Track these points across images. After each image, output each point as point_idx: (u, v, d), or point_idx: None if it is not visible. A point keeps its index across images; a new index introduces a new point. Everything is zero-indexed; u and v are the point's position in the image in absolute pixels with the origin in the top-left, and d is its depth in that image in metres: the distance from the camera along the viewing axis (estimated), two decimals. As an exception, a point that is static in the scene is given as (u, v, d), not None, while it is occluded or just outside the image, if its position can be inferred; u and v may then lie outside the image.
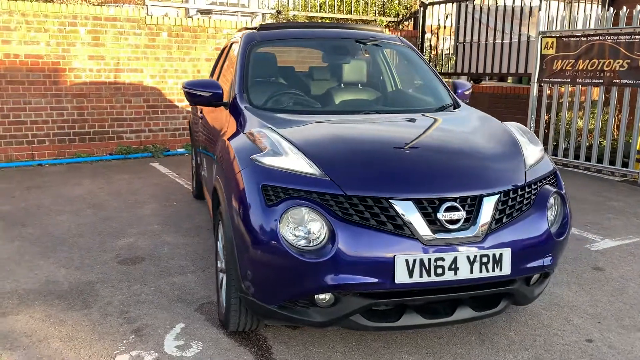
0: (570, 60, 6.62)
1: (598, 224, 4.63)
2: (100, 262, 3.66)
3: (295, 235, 2.22)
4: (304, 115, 3.08)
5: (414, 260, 2.17)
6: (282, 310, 2.32)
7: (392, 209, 2.21)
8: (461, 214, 2.25)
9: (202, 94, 3.28)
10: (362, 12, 9.15)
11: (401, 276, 2.16)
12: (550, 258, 2.43)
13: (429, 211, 2.23)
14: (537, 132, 7.05)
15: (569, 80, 6.69)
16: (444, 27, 9.36)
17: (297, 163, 2.36)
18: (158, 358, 2.51)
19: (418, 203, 2.23)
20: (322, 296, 2.25)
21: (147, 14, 7.25)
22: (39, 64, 6.65)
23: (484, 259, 2.25)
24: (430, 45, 9.65)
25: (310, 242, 2.21)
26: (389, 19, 9.29)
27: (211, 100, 3.28)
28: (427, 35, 9.52)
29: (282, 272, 2.24)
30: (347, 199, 2.23)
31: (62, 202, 5.15)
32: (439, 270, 2.20)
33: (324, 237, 2.19)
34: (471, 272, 2.23)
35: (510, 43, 8.13)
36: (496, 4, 8.41)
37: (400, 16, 9.38)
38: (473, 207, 2.29)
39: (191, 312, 2.96)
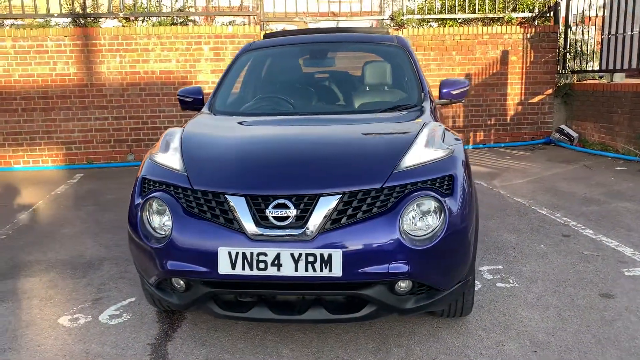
0: None
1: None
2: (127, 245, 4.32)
3: (150, 224, 2.48)
4: (249, 117, 3.28)
5: (237, 253, 2.26)
6: (158, 291, 2.59)
7: (226, 203, 2.34)
8: (289, 212, 2.26)
9: (186, 100, 3.70)
10: (489, 10, 8.63)
11: (224, 267, 2.28)
12: (405, 266, 2.26)
13: (261, 207, 2.29)
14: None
15: None
16: (589, 18, 8.30)
17: (171, 160, 2.63)
18: (88, 322, 2.99)
19: (252, 199, 2.31)
20: (178, 281, 2.47)
21: (262, 30, 7.97)
22: (170, 79, 7.83)
23: (310, 258, 2.23)
24: (576, 40, 8.63)
25: (161, 230, 2.45)
26: (522, 14, 8.59)
27: (194, 105, 3.68)
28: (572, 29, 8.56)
29: (141, 256, 2.52)
30: (193, 192, 2.42)
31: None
32: (262, 265, 2.25)
33: (170, 227, 2.41)
34: (296, 269, 2.24)
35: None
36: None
37: (537, 11, 8.59)
38: (310, 206, 2.28)
39: (150, 290, 3.39)
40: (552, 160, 7.35)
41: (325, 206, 2.27)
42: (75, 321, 3.01)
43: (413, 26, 8.28)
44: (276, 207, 2.28)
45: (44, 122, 7.70)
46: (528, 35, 8.46)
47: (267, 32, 4.39)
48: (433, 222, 2.36)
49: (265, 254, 2.25)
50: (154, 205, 2.48)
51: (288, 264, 2.24)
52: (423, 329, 2.82)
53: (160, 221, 2.46)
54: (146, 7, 7.97)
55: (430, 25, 8.58)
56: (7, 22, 7.89)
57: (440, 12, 8.61)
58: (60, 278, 3.64)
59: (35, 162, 7.79)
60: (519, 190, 5.66)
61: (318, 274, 2.23)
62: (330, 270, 2.23)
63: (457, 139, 2.84)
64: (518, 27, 8.45)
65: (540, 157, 7.63)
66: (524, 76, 8.57)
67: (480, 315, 2.96)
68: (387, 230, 2.26)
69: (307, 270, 2.23)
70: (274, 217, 2.28)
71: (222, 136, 2.86)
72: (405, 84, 3.57)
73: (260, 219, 2.29)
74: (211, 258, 2.29)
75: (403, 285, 2.36)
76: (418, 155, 2.50)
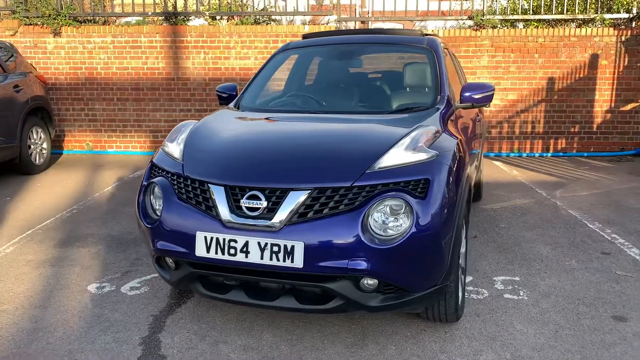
0: None
1: None
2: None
3: (149, 206, 2.76)
4: (263, 113, 3.45)
5: (212, 238, 2.46)
6: (158, 267, 2.86)
7: (208, 192, 2.54)
8: (261, 203, 2.41)
9: (223, 95, 3.96)
10: (580, 11, 8.10)
11: (200, 250, 2.48)
12: (364, 263, 2.32)
13: (237, 198, 2.47)
14: None
15: None
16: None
17: (175, 149, 2.88)
18: (110, 291, 3.35)
19: (231, 189, 2.50)
20: (169, 260, 2.71)
21: (337, 29, 8.12)
22: (248, 75, 8.23)
23: (275, 248, 2.37)
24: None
25: (156, 212, 2.71)
26: (617, 15, 7.97)
27: (229, 100, 3.93)
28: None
29: (143, 234, 2.80)
30: (185, 180, 2.65)
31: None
32: (232, 251, 2.43)
33: (161, 210, 2.66)
34: (261, 257, 2.39)
35: None
36: None
37: (635, 11, 7.92)
38: (281, 199, 2.41)
39: (174, 268, 3.70)
40: (634, 173, 6.80)
41: (294, 200, 2.39)
42: (101, 289, 3.38)
43: (493, 27, 8.00)
44: (250, 198, 2.44)
45: (135, 111, 8.44)
46: (623, 38, 7.85)
47: (305, 32, 4.50)
48: (399, 223, 2.39)
49: (236, 241, 2.42)
50: (155, 190, 2.75)
51: (255, 251, 2.39)
52: (407, 330, 2.85)
53: (157, 204, 2.72)
54: (230, 7, 8.43)
55: (514, 25, 8.23)
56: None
57: (526, 13, 8.23)
58: (105, 251, 4.07)
59: (126, 147, 8.57)
60: (578, 202, 5.34)
61: (281, 263, 2.37)
62: (292, 261, 2.35)
63: (452, 144, 2.81)
64: (612, 29, 7.86)
65: (622, 169, 7.08)
66: (615, 82, 7.97)
67: (472, 324, 2.93)
68: (349, 227, 2.34)
69: (271, 259, 2.38)
70: (247, 208, 2.44)
71: (224, 130, 3.05)
72: (424, 87, 3.56)
73: (235, 208, 2.47)
74: (190, 241, 2.51)
75: (369, 282, 2.43)
76: (396, 157, 2.54)
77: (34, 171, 6.80)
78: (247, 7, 8.54)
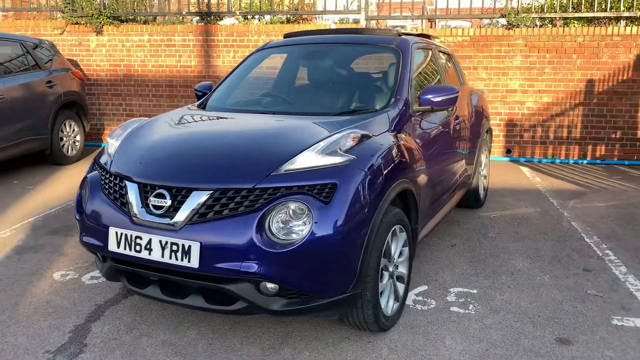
0: None
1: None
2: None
3: (81, 199, 2.87)
4: (222, 113, 3.48)
5: (121, 234, 2.54)
6: (96, 259, 2.97)
7: (125, 188, 2.61)
8: (165, 202, 2.45)
9: (198, 94, 4.04)
10: (626, 8, 7.53)
11: (112, 245, 2.57)
12: (256, 266, 2.31)
13: (147, 195, 2.52)
14: None
15: None
16: None
17: (112, 145, 2.99)
18: (71, 279, 3.52)
19: (144, 187, 2.55)
20: (99, 254, 2.82)
21: (366, 27, 8.02)
22: (274, 74, 8.28)
23: (174, 247, 2.41)
24: None
25: (83, 206, 2.83)
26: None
27: (200, 98, 4.00)
28: None
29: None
30: (109, 176, 2.74)
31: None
32: (137, 247, 2.49)
33: (87, 203, 2.77)
34: (162, 255, 2.44)
35: None
36: None
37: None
38: (186, 198, 2.44)
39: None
40: (671, 185, 6.26)
41: (196, 200, 2.42)
42: (64, 277, 3.56)
43: (527, 25, 7.61)
44: (157, 196, 2.49)
45: (169, 107, 8.75)
46: (673, 38, 7.23)
47: (287, 32, 4.51)
48: (299, 228, 2.35)
49: (141, 238, 2.48)
50: (86, 183, 2.87)
51: (157, 249, 2.44)
52: (330, 337, 2.80)
53: (86, 198, 2.83)
54: (260, 6, 8.55)
55: (551, 23, 7.79)
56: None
57: (565, 10, 7.76)
58: (88, 240, 4.27)
59: (160, 142, 8.90)
60: (588, 214, 4.99)
61: (179, 262, 2.40)
62: (189, 261, 2.38)
63: (380, 148, 2.72)
64: (654, 27, 7.26)
65: (660, 180, 6.54)
66: (663, 85, 7.36)
67: (401, 335, 2.83)
68: (244, 229, 2.33)
69: (170, 257, 2.42)
70: (153, 206, 2.49)
71: (159, 129, 3.11)
72: (381, 89, 3.45)
73: (145, 206, 2.52)
74: (105, 235, 2.59)
75: (270, 286, 2.41)
76: (306, 160, 2.50)
77: (65, 162, 7.23)
78: (279, 7, 8.62)
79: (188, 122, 3.27)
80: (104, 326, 2.92)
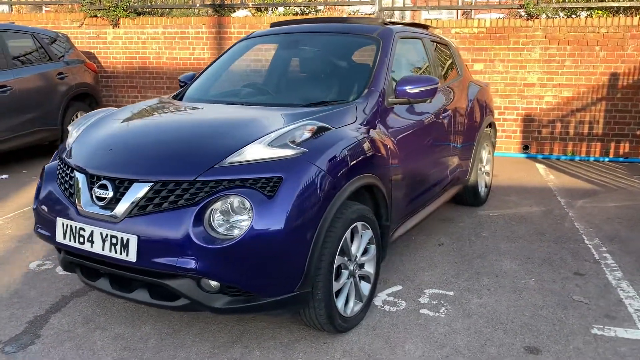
0: None
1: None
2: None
3: (39, 189, 2.85)
4: (194, 103, 3.41)
5: (67, 226, 2.49)
6: (57, 250, 2.94)
7: (75, 179, 2.56)
8: (107, 193, 2.39)
9: (181, 85, 3.98)
10: (655, -3, 7.10)
11: (59, 236, 2.53)
12: (192, 262, 2.22)
13: (93, 187, 2.47)
14: None
15: None
16: None
17: (73, 136, 2.95)
18: (45, 270, 3.53)
19: (90, 178, 2.50)
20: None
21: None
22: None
23: (114, 240, 2.35)
24: None
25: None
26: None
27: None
28: None
29: None
30: (63, 165, 2.70)
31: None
32: (81, 239, 2.44)
33: (41, 193, 2.74)
34: (103, 248, 2.38)
35: None
36: None
37: None
38: (127, 190, 2.37)
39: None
40: (695, 185, 5.87)
41: (136, 192, 2.35)
42: (40, 267, 3.57)
43: (547, 16, 7.27)
44: (101, 187, 2.43)
45: (182, 99, 8.78)
46: None
47: (273, 22, 4.40)
48: (240, 223, 2.25)
49: (84, 229, 2.43)
50: (43, 173, 2.84)
51: (98, 242, 2.39)
52: (286, 337, 2.70)
53: (41, 188, 2.80)
54: (273, -2, 8.46)
55: (574, 13, 7.42)
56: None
57: (588, 0, 7.38)
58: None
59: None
60: (595, 214, 4.71)
61: (118, 255, 2.34)
62: (127, 255, 2.31)
63: (339, 142, 2.59)
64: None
65: (684, 180, 6.15)
66: (693, 79, 6.92)
67: (360, 337, 2.70)
68: (181, 223, 2.25)
69: (110, 250, 2.36)
70: (97, 197, 2.43)
71: (119, 120, 3.05)
72: (355, 79, 3.29)
73: (90, 197, 2.47)
74: (53, 226, 2.55)
75: (212, 283, 2.32)
76: (253, 152, 2.39)
77: (76, 153, 7.32)
78: (292, -2, 8.52)
79: (149, 113, 3.20)
80: (62, 318, 2.90)
